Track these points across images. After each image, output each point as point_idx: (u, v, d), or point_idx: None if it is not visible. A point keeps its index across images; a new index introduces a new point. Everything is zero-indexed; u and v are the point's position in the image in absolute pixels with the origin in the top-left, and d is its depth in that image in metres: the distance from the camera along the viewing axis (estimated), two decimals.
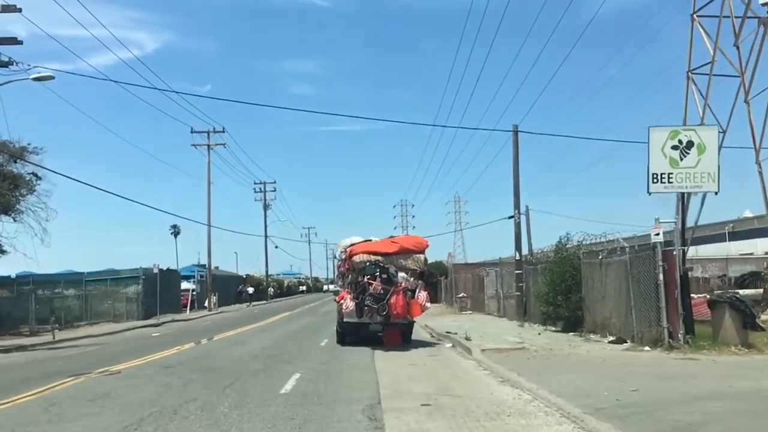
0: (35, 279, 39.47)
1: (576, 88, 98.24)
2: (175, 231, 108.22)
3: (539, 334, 17.31)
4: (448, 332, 19.10)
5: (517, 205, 23.70)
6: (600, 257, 16.47)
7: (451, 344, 16.42)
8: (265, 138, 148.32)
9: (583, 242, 17.75)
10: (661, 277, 13.20)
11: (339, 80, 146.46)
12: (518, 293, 23.39)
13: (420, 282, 15.94)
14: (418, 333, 21.31)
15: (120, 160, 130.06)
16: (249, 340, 18.98)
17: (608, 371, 10.56)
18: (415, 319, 16.69)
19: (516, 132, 23.70)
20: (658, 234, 13.40)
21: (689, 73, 23.42)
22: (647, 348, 13.31)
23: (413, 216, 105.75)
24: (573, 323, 17.64)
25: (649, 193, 13.94)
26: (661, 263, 13.23)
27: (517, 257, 23.56)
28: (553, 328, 18.59)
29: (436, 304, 48.26)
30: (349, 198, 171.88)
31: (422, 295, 15.66)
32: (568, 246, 18.42)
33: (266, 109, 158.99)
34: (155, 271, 38.16)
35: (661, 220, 13.54)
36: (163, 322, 34.87)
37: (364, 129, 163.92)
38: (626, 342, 14.42)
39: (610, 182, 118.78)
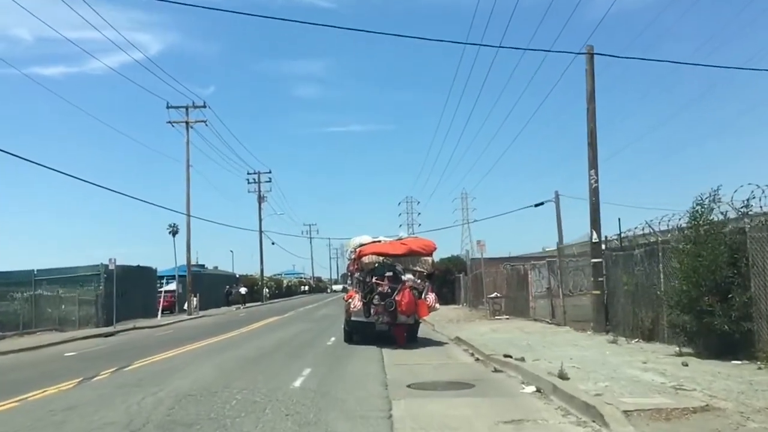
0: None
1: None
2: (173, 230, 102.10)
3: (685, 364, 9.69)
4: (508, 356, 11.61)
5: (593, 163, 16.12)
6: None
7: (532, 386, 8.87)
8: (268, 137, 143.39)
9: (751, 201, 10.12)
10: None
11: (345, 81, 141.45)
12: (597, 292, 15.85)
13: (427, 284, 15.80)
14: (452, 353, 13.87)
15: (118, 156, 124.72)
16: (182, 370, 11.59)
17: None
18: (424, 318, 17.21)
19: (591, 54, 16.16)
20: None
21: None
22: None
23: (419, 213, 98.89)
24: (733, 344, 10.12)
25: None
26: None
27: (595, 239, 16.01)
28: (690, 350, 11.05)
29: (454, 305, 40.81)
30: (352, 196, 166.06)
31: (430, 297, 15.61)
32: (714, 214, 10.84)
33: (272, 110, 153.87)
34: (111, 267, 30.75)
35: None
36: (119, 331, 27.82)
37: (369, 130, 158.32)
38: None
39: (669, 158, 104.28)
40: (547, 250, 47.64)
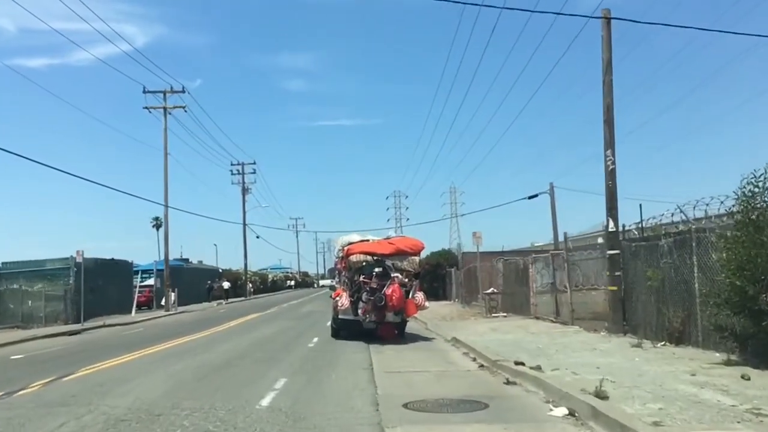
0: None
1: None
2: (157, 223, 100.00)
3: (745, 377, 7.83)
4: (520, 363, 9.80)
5: (610, 142, 14.30)
6: None
7: (562, 408, 6.99)
8: (256, 130, 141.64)
9: None
10: None
11: (333, 75, 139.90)
12: (613, 287, 14.05)
13: (415, 282, 15.95)
14: (451, 358, 11.93)
15: (106, 148, 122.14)
16: (130, 382, 9.64)
17: None
18: (414, 316, 17.77)
19: (608, 19, 14.32)
20: None
21: None
22: None
23: (407, 208, 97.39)
24: None
25: None
26: None
27: (611, 228, 14.20)
28: (736, 357, 9.27)
29: (446, 301, 38.96)
30: (340, 190, 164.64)
31: (419, 296, 15.84)
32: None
33: (260, 104, 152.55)
34: (78, 259, 28.59)
35: None
36: (87, 329, 25.83)
37: (357, 124, 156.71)
38: None
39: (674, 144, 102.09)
40: (536, 245, 46.05)
